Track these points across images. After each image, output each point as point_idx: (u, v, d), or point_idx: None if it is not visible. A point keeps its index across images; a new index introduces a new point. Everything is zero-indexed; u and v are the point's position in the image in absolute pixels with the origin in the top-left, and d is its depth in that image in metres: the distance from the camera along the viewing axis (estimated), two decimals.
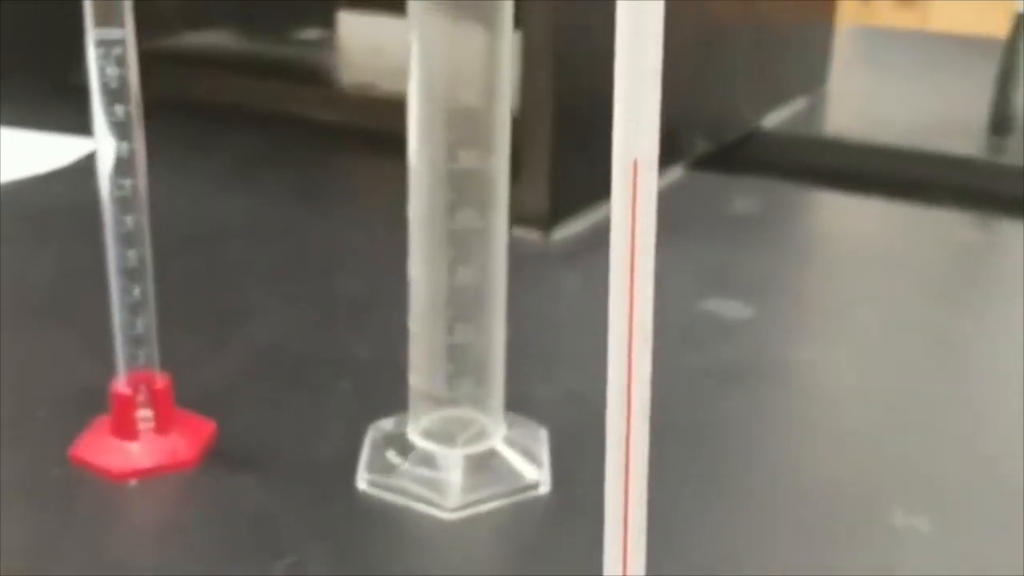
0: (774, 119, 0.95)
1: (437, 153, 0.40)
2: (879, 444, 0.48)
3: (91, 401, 0.46)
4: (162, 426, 0.45)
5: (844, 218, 0.82)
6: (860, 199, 0.83)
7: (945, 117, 0.99)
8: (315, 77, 1.09)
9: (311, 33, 1.21)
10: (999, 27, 0.92)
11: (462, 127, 0.39)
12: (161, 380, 0.45)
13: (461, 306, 0.42)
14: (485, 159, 0.40)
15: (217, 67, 1.06)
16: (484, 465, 0.44)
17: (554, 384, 0.52)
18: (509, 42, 0.40)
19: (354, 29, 1.21)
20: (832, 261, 0.73)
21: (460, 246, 0.41)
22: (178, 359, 0.47)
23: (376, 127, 0.82)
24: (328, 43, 1.21)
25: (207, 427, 0.46)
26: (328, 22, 1.22)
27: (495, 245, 0.42)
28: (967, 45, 1.30)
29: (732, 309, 0.60)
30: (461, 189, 0.40)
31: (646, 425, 0.24)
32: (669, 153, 0.86)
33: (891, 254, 0.72)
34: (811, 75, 1.04)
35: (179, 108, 0.95)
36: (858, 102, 1.07)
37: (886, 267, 0.69)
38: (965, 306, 0.64)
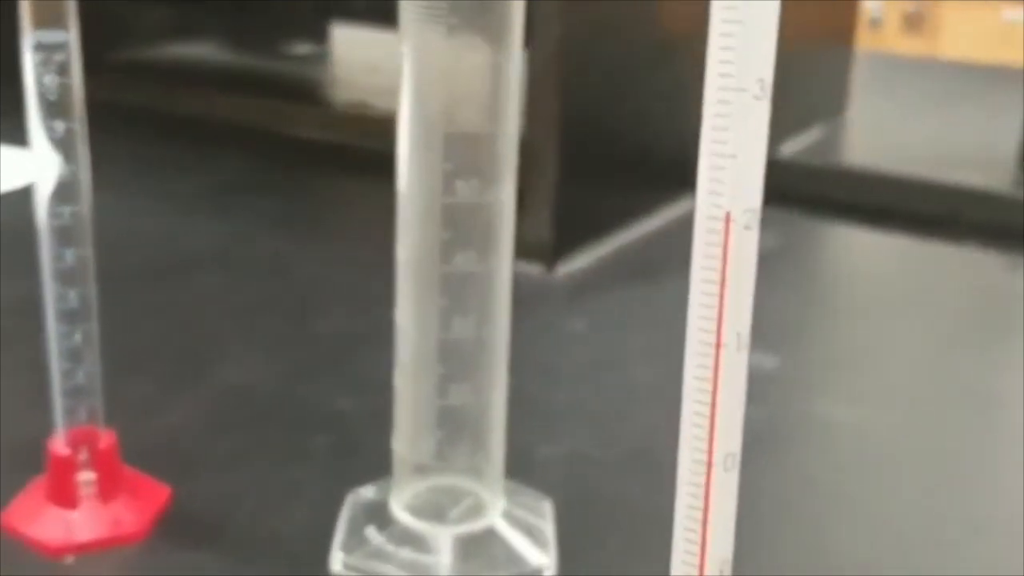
0: (790, 148, 0.90)
1: (431, 184, 0.34)
2: (915, 520, 0.42)
3: (29, 460, 0.40)
4: (106, 491, 0.39)
5: (866, 255, 0.77)
6: (882, 234, 0.78)
7: (970, 148, 0.93)
8: (305, 95, 1.03)
9: (303, 48, 1.15)
10: (1011, 54, 0.87)
11: (460, 154, 0.34)
12: (106, 438, 0.39)
13: (455, 363, 0.36)
14: (487, 192, 0.34)
15: (201, 81, 1.01)
16: (480, 547, 0.38)
17: (558, 444, 0.46)
18: (518, 57, 0.34)
19: (349, 44, 1.15)
20: (855, 304, 0.67)
21: (456, 293, 0.35)
22: (133, 410, 0.42)
23: (370, 149, 0.77)
24: (320, 59, 1.15)
25: (160, 492, 0.40)
26: (321, 36, 1.16)
27: (497, 292, 0.36)
28: (980, 73, 1.25)
29: (750, 358, 0.54)
30: (458, 226, 0.34)
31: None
32: (678, 182, 0.81)
33: (918, 297, 0.66)
34: (829, 102, 0.99)
35: (157, 124, 0.90)
36: (878, 131, 1.02)
37: (914, 312, 0.63)
38: (1001, 357, 0.58)
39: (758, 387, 0.51)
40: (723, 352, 0.16)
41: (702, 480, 0.17)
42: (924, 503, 0.43)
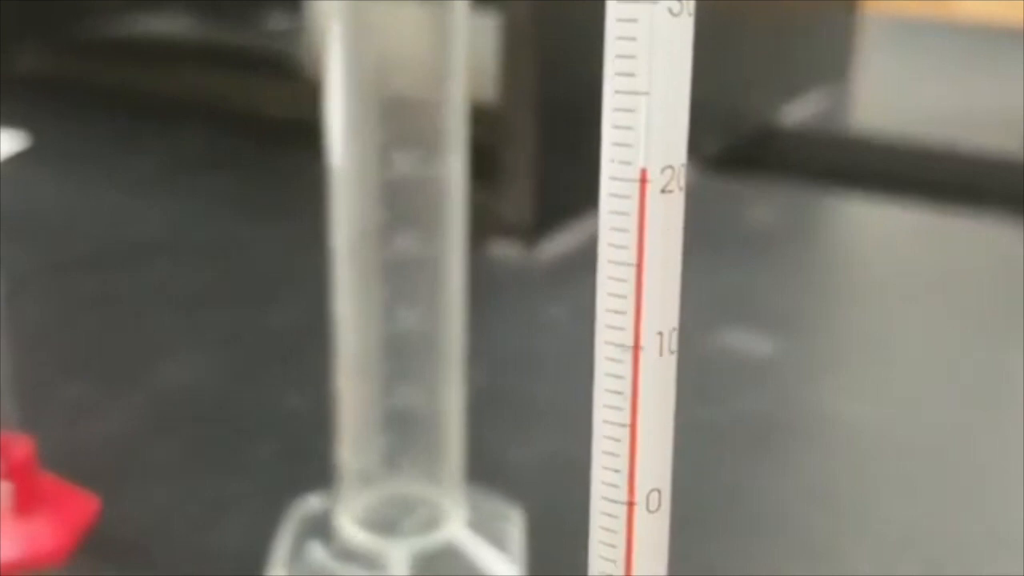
0: (792, 114, 0.85)
1: (366, 157, 0.30)
2: (935, 536, 0.38)
3: None
4: (24, 506, 0.35)
5: (876, 229, 0.73)
6: (894, 207, 0.74)
7: (982, 113, 0.89)
8: (279, 69, 0.99)
9: (278, 21, 1.10)
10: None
11: (399, 123, 0.30)
12: (22, 446, 0.35)
13: (403, 359, 0.32)
14: (431, 164, 0.30)
15: (166, 56, 0.96)
16: (437, 561, 0.34)
17: (535, 445, 0.42)
18: (464, 10, 0.30)
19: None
20: (866, 282, 0.63)
21: (399, 280, 0.31)
22: (62, 413, 0.39)
23: None
24: (296, 32, 1.11)
25: (86, 505, 0.37)
26: (296, 8, 1.12)
27: (448, 279, 0.32)
28: (994, 36, 1.20)
29: (751, 344, 0.50)
30: (398, 204, 0.30)
31: None
32: None
33: (933, 277, 0.62)
34: (832, 64, 0.94)
35: (120, 101, 0.85)
36: (884, 96, 0.97)
37: (930, 291, 0.59)
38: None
39: (754, 379, 0.47)
40: (642, 358, 0.12)
41: (621, 526, 0.13)
42: (944, 515, 0.39)
